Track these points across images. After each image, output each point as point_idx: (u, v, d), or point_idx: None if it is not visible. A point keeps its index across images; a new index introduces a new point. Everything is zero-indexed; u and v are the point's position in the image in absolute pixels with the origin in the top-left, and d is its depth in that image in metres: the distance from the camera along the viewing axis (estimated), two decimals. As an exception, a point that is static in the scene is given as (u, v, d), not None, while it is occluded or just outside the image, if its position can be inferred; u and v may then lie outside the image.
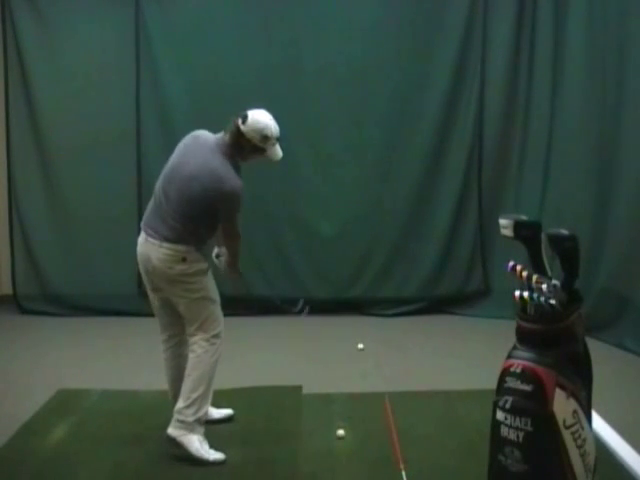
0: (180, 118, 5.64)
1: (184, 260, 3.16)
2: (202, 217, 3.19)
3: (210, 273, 3.32)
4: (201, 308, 3.25)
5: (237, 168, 3.21)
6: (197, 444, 3.21)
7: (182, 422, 3.20)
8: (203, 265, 3.24)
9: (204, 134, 3.29)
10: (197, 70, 5.68)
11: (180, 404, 3.22)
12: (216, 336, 3.28)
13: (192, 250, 3.18)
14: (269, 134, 3.16)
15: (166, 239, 3.15)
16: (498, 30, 5.65)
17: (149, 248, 3.20)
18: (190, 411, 3.20)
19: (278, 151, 3.26)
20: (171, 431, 3.22)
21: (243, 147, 3.18)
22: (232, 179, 3.13)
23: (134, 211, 5.63)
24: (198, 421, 3.23)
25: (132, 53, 5.67)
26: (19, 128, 5.79)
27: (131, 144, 5.73)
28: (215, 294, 3.32)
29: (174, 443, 3.21)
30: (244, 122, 3.15)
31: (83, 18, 5.68)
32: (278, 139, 3.22)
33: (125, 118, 5.71)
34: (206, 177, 3.11)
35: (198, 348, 3.25)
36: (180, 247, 3.15)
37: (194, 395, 3.20)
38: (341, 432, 3.55)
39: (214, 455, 3.23)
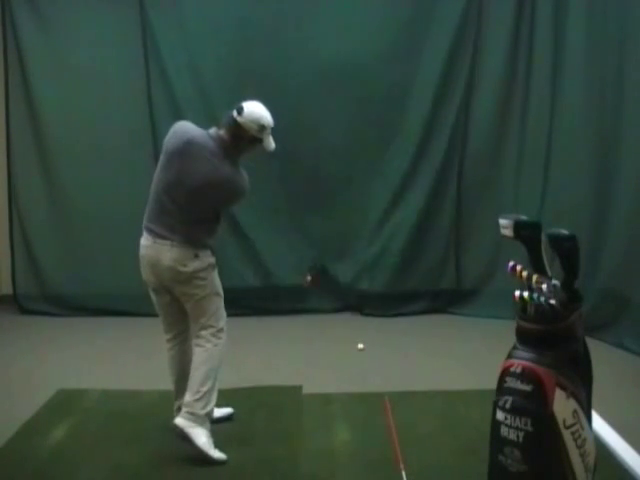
0: (189, 118, 5.63)
1: (197, 257, 3.21)
2: (212, 217, 3.29)
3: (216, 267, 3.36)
4: (210, 303, 3.30)
5: (238, 164, 3.27)
6: (204, 438, 3.21)
7: (192, 414, 3.20)
8: (212, 259, 3.29)
9: (197, 136, 3.24)
10: (198, 70, 5.68)
11: (189, 397, 3.23)
12: (222, 330, 3.34)
13: (202, 246, 3.24)
14: (266, 123, 3.21)
15: (178, 240, 3.19)
16: (496, 29, 5.63)
17: (159, 250, 3.22)
18: (200, 404, 3.21)
19: (272, 141, 3.29)
20: (179, 421, 3.20)
21: (242, 138, 3.20)
22: (243, 181, 3.27)
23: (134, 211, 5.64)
24: (207, 415, 3.25)
25: (133, 53, 5.65)
26: (19, 128, 5.79)
27: (131, 144, 5.72)
28: (221, 288, 3.36)
29: (181, 434, 3.19)
30: (240, 113, 3.19)
31: (84, 17, 5.68)
32: (271, 129, 3.27)
33: (126, 118, 5.70)
34: (220, 185, 3.19)
35: (206, 342, 3.28)
36: (192, 245, 3.21)
37: (204, 389, 3.22)
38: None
39: (218, 454, 3.23)
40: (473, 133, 5.77)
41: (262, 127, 3.20)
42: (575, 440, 2.42)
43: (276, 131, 3.30)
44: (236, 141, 3.21)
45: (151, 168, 5.61)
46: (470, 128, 5.76)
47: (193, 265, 3.21)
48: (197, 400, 3.21)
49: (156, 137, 5.65)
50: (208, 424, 3.27)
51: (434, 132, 5.74)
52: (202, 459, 3.19)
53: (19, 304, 5.92)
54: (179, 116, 5.62)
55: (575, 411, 2.43)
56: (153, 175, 3.33)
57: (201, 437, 3.20)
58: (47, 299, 5.89)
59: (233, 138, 3.20)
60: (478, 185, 5.81)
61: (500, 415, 2.47)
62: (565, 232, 2.53)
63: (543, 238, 2.55)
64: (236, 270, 5.59)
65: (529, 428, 2.38)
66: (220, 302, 3.36)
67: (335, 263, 5.88)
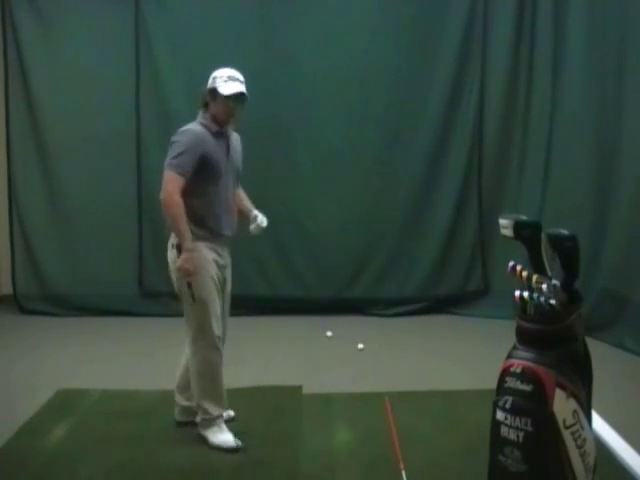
0: (180, 117, 5.64)
1: (172, 247, 3.23)
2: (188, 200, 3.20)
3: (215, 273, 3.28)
4: (187, 304, 3.23)
5: (217, 135, 3.25)
6: (212, 438, 3.33)
7: (201, 419, 3.36)
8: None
9: None
10: (197, 70, 5.66)
11: (194, 403, 3.38)
12: (197, 339, 3.25)
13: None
14: (217, 74, 3.26)
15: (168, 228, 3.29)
16: (498, 30, 5.67)
17: None
18: (200, 410, 3.35)
19: (229, 85, 3.22)
20: (198, 428, 3.39)
21: (205, 98, 3.27)
22: (189, 125, 3.23)
23: (134, 211, 5.64)
24: (214, 418, 3.34)
25: (132, 53, 5.67)
26: (19, 128, 5.80)
27: (131, 144, 5.73)
28: (208, 294, 3.21)
29: (200, 438, 3.38)
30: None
31: (83, 18, 5.69)
32: (232, 78, 3.24)
33: (125, 117, 5.71)
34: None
35: (187, 347, 3.34)
36: (170, 234, 3.26)
37: (197, 393, 3.32)
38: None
39: (229, 443, 3.32)
40: (486, 137, 5.80)
41: (214, 78, 3.26)
42: (575, 440, 2.42)
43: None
44: (207, 106, 3.28)
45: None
46: (485, 130, 5.79)
47: (169, 255, 3.26)
48: (197, 406, 3.35)
49: (140, 136, 5.67)
50: (218, 420, 3.35)
51: (451, 137, 5.77)
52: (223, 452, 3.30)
53: (19, 304, 5.92)
54: (166, 117, 5.65)
55: (575, 411, 2.43)
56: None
57: (209, 438, 3.33)
58: (47, 299, 5.89)
59: (205, 104, 3.28)
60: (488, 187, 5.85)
61: (500, 415, 2.47)
62: (565, 232, 2.53)
63: (543, 238, 2.55)
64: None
65: (529, 428, 2.38)
66: (200, 309, 3.19)
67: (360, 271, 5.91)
